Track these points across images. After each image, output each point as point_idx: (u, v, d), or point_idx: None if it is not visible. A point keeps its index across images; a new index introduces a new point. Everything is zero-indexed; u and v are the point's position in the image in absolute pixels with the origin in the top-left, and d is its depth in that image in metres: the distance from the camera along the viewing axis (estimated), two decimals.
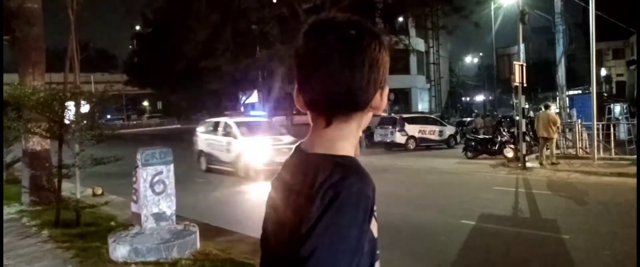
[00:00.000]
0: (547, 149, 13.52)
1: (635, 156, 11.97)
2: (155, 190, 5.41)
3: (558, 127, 13.66)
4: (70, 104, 7.03)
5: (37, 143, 8.42)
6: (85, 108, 7.40)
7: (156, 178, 5.43)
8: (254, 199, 9.84)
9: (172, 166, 5.56)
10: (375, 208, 0.99)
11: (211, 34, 24.72)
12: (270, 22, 27.38)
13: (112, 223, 6.88)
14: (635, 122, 16.23)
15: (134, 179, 5.51)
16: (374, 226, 0.99)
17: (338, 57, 0.94)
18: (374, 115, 1.07)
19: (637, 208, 7.35)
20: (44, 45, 8.99)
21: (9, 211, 8.10)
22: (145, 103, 77.07)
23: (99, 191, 9.72)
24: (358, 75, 0.94)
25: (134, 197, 5.54)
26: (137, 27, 42.07)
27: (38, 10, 8.59)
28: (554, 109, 14.67)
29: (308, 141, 1.02)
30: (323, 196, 0.88)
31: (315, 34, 0.98)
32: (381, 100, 1.00)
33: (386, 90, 1.00)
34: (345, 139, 0.99)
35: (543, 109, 14.04)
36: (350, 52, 0.95)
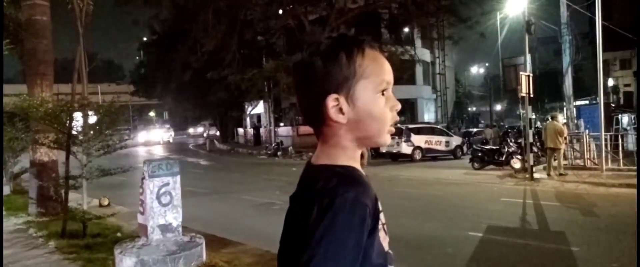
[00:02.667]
0: (554, 160, 13.44)
1: None
2: (161, 201, 5.40)
3: (565, 138, 13.59)
4: (78, 115, 7.08)
5: (44, 154, 8.47)
6: (92, 119, 7.45)
7: (163, 189, 5.42)
8: (260, 210, 9.83)
9: (178, 177, 5.56)
10: (383, 221, 0.99)
11: (218, 45, 24.85)
12: (276, 33, 27.54)
13: (119, 234, 6.89)
14: None
15: (141, 190, 5.51)
16: (384, 240, 0.99)
17: (297, 80, 1.03)
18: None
19: (637, 213, 7.28)
20: (53, 56, 9.07)
21: (16, 221, 8.13)
22: (152, 113, 77.40)
23: (106, 202, 9.74)
24: (301, 90, 1.01)
25: (141, 209, 5.54)
26: (144, 38, 42.37)
27: (47, 23, 8.69)
28: (561, 119, 14.59)
29: (315, 154, 1.04)
30: (319, 204, 0.89)
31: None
32: (328, 111, 0.97)
33: (330, 100, 0.97)
34: (339, 148, 1.00)
35: (550, 120, 13.98)
36: (300, 74, 1.02)
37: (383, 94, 0.99)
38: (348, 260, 0.86)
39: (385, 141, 1.02)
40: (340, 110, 0.97)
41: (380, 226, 0.98)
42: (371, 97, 0.98)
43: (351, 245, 0.87)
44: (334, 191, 0.90)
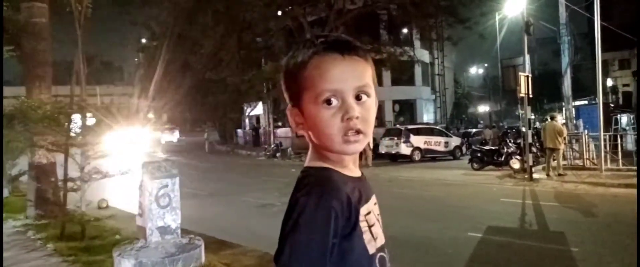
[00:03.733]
0: (553, 160, 13.44)
1: None
2: (160, 203, 5.39)
3: (565, 138, 13.59)
4: (77, 117, 7.07)
5: (43, 156, 8.44)
6: (91, 121, 7.43)
7: (161, 191, 5.41)
8: (259, 211, 9.81)
9: (177, 179, 5.55)
10: (371, 223, 0.99)
11: (216, 46, 24.83)
12: (275, 35, 27.54)
13: (117, 236, 6.87)
14: None
15: (139, 192, 5.50)
16: (370, 242, 0.99)
17: None
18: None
19: (637, 213, 7.27)
20: (51, 58, 9.05)
21: (15, 224, 8.10)
22: (150, 115, 77.34)
23: (104, 204, 9.72)
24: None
25: (139, 211, 5.53)
26: (143, 40, 42.30)
27: (46, 25, 8.67)
28: (560, 119, 14.60)
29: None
30: (289, 203, 0.93)
31: None
32: (289, 121, 1.04)
33: (287, 111, 1.03)
34: (316, 153, 1.02)
35: (549, 120, 13.98)
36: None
37: (329, 104, 0.95)
38: (311, 258, 0.88)
39: (345, 150, 0.99)
40: (299, 121, 1.01)
41: (365, 228, 0.98)
42: (313, 108, 0.97)
43: (314, 244, 0.89)
44: (301, 191, 0.93)
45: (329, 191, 0.93)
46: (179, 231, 5.56)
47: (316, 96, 0.96)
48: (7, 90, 12.34)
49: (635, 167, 12.96)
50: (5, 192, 10.95)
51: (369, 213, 1.01)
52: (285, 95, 1.02)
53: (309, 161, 1.03)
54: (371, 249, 0.99)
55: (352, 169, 1.04)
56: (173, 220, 5.48)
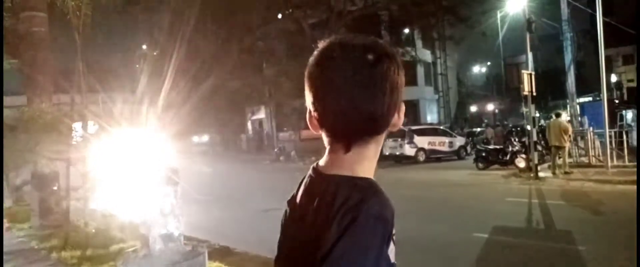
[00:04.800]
0: (559, 158, 13.35)
1: None
2: (162, 211, 5.35)
3: (570, 136, 13.50)
4: (78, 125, 7.05)
5: (45, 165, 8.42)
6: (92, 128, 7.42)
7: (164, 199, 5.37)
8: (264, 216, 9.76)
9: (179, 187, 5.50)
10: (394, 232, 0.95)
11: (217, 51, 24.85)
12: (276, 38, 27.54)
13: (121, 245, 6.84)
14: None
15: (142, 199, 5.46)
16: (392, 251, 0.95)
17: (358, 86, 0.91)
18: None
19: (637, 211, 7.21)
20: (52, 67, 9.05)
21: (19, 234, 8.08)
22: (152, 122, 77.51)
23: (108, 212, 9.68)
24: (379, 102, 0.92)
25: (142, 218, 5.49)
26: (144, 46, 42.39)
27: (45, 34, 8.67)
28: (565, 117, 14.52)
29: (326, 162, 0.99)
30: (341, 219, 0.85)
31: (330, 60, 0.93)
32: (399, 119, 0.99)
33: (403, 108, 1.00)
34: (366, 160, 0.97)
35: (554, 118, 13.90)
36: (370, 79, 0.92)
37: None
38: None
39: None
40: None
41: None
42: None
43: (372, 261, 0.84)
44: (358, 207, 0.86)
45: (387, 203, 0.90)
46: (182, 238, 5.51)
47: None
48: (9, 100, 12.34)
49: None
50: (9, 202, 10.94)
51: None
52: (401, 94, 1.01)
53: (355, 171, 0.96)
54: (392, 258, 0.96)
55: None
56: (176, 227, 5.43)
